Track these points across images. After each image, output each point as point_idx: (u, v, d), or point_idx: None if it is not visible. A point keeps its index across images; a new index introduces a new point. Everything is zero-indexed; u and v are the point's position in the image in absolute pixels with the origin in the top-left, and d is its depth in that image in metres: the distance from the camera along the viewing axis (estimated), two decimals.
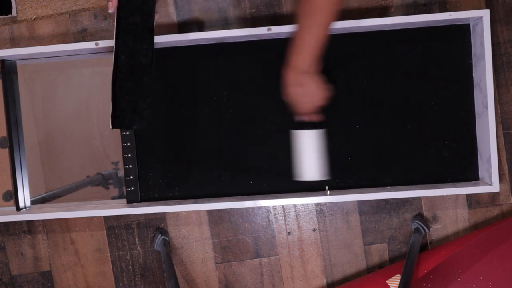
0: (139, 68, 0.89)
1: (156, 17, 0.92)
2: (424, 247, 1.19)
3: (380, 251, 1.20)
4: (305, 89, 0.96)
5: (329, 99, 1.00)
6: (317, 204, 1.21)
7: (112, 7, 0.89)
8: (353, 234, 1.20)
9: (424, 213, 1.19)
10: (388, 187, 1.10)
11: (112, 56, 1.11)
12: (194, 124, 1.13)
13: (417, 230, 1.15)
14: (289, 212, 1.21)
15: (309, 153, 1.03)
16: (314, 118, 1.03)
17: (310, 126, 1.03)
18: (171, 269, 1.09)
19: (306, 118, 1.03)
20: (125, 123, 0.89)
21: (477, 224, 1.18)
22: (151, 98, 0.91)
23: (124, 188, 1.15)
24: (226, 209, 1.21)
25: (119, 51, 0.87)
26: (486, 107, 1.03)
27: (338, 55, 1.10)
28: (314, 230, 1.21)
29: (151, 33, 0.90)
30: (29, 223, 1.23)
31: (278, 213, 1.21)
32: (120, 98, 0.88)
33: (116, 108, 0.88)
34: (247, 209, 1.21)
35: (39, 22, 1.23)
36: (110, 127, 0.90)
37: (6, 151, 1.18)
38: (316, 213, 1.21)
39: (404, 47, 1.10)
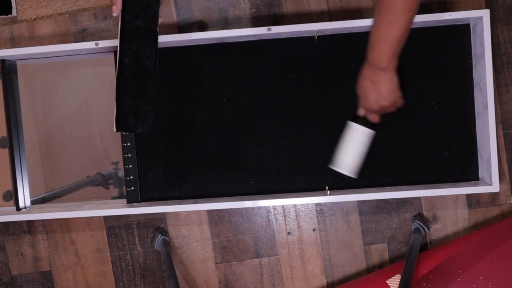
0: (142, 71, 0.89)
1: (160, 20, 0.93)
2: (424, 247, 1.19)
3: (380, 251, 1.20)
4: (376, 86, 0.95)
5: (396, 107, 1.00)
6: (317, 204, 1.21)
7: (116, 11, 0.89)
8: (353, 234, 1.20)
9: (424, 213, 1.19)
10: (388, 187, 1.10)
11: (113, 57, 1.11)
12: (194, 124, 1.13)
13: (417, 230, 1.15)
14: (289, 212, 1.21)
15: (354, 148, 1.03)
16: (373, 118, 1.03)
17: (366, 124, 1.03)
18: (171, 269, 1.09)
19: (366, 115, 1.03)
20: (129, 126, 0.89)
21: (477, 224, 1.18)
22: (154, 101, 0.91)
23: (124, 188, 1.15)
24: (226, 209, 1.21)
25: (123, 54, 0.87)
26: (486, 107, 1.03)
27: (338, 55, 1.10)
28: (314, 230, 1.21)
29: (155, 37, 0.90)
30: (29, 223, 1.23)
31: (278, 213, 1.21)
32: (124, 102, 0.88)
33: (120, 112, 0.88)
34: (247, 209, 1.21)
35: (39, 22, 1.23)
36: (114, 130, 0.90)
37: (6, 151, 1.18)
38: (316, 213, 1.21)
39: (404, 47, 1.09)
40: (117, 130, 0.89)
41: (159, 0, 0.90)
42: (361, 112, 1.03)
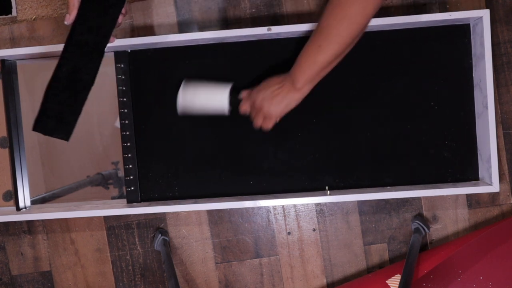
0: (79, 83, 0.87)
1: (112, 41, 0.91)
2: (424, 247, 1.19)
3: (380, 251, 1.20)
4: (277, 92, 0.93)
5: (263, 122, 0.98)
6: (317, 204, 1.21)
7: (69, 20, 0.86)
8: (353, 234, 1.20)
9: (424, 213, 1.19)
10: (388, 187, 1.10)
11: (113, 57, 1.11)
12: (194, 124, 1.13)
13: (417, 230, 1.15)
14: (289, 212, 1.21)
15: (204, 101, 1.01)
16: (244, 108, 1.00)
17: (233, 101, 1.01)
18: (171, 269, 1.09)
19: (243, 100, 1.00)
20: (47, 129, 0.87)
21: (477, 224, 1.18)
22: (80, 114, 0.89)
23: (124, 188, 1.15)
24: (226, 209, 1.21)
25: (63, 63, 0.85)
26: (486, 107, 1.03)
27: None
28: (314, 230, 1.21)
29: (101, 55, 0.87)
30: (29, 223, 1.23)
31: (278, 213, 1.21)
32: (49, 106, 0.86)
33: (43, 113, 0.86)
34: (247, 209, 1.21)
35: (39, 22, 1.23)
36: (31, 129, 0.88)
37: (6, 151, 1.18)
38: (316, 213, 1.21)
39: (404, 47, 1.10)
40: (34, 129, 0.88)
41: (115, 22, 0.88)
42: (244, 94, 1.01)
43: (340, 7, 0.81)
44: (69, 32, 0.86)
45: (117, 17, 0.88)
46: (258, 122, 0.98)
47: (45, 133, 0.87)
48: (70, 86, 0.86)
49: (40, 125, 0.87)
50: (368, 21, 0.82)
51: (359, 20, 0.81)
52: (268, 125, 0.98)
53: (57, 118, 0.87)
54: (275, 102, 0.94)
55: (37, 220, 1.23)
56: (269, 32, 1.05)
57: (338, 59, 0.88)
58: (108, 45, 1.06)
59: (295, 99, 0.93)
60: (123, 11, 0.91)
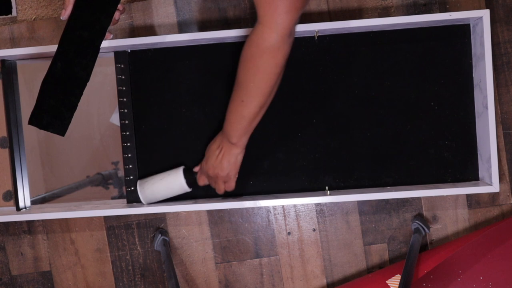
0: (73, 79, 0.87)
1: (109, 37, 0.91)
2: (424, 247, 1.19)
3: (380, 251, 1.20)
4: (220, 155, 0.98)
5: (226, 184, 1.03)
6: (317, 204, 1.21)
7: (64, 15, 0.87)
8: (353, 234, 1.20)
9: (424, 213, 1.19)
10: (388, 187, 1.10)
11: (113, 57, 1.11)
12: (194, 124, 1.13)
13: (417, 230, 1.15)
14: (289, 212, 1.21)
15: (164, 187, 1.07)
16: (201, 181, 1.05)
17: (190, 178, 1.07)
18: (171, 269, 1.09)
19: (198, 174, 1.06)
20: (43, 123, 0.87)
21: (477, 224, 1.18)
22: (75, 110, 0.90)
23: (124, 188, 1.15)
24: (226, 209, 1.21)
25: (57, 58, 0.86)
26: (486, 107, 1.03)
27: (338, 55, 1.10)
28: (314, 230, 1.21)
29: (96, 51, 0.88)
30: (29, 223, 1.23)
31: (278, 213, 1.21)
32: (44, 101, 0.86)
33: (38, 108, 0.87)
34: (247, 209, 1.21)
35: (39, 22, 1.23)
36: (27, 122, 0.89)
37: (6, 151, 1.18)
38: (316, 213, 1.21)
39: (404, 47, 1.10)
40: (29, 123, 0.88)
41: (111, 18, 0.88)
42: (196, 168, 1.07)
43: (252, 60, 0.84)
44: (64, 28, 0.86)
45: (113, 14, 0.88)
46: (221, 188, 1.03)
47: (40, 127, 0.87)
48: (65, 82, 0.86)
49: (35, 119, 0.87)
50: (281, 69, 0.85)
51: (272, 70, 0.84)
52: (231, 185, 1.03)
53: (52, 113, 0.87)
54: (224, 165, 0.99)
55: (37, 220, 1.23)
56: None
57: (264, 108, 0.91)
58: (108, 45, 1.06)
59: (237, 153, 0.98)
60: (119, 7, 0.91)
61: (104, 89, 1.21)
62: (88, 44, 0.87)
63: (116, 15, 0.89)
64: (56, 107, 0.87)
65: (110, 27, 0.88)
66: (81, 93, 0.89)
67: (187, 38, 1.07)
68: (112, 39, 1.05)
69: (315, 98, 1.11)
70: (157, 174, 1.09)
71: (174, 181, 1.07)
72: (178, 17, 1.20)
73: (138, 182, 1.09)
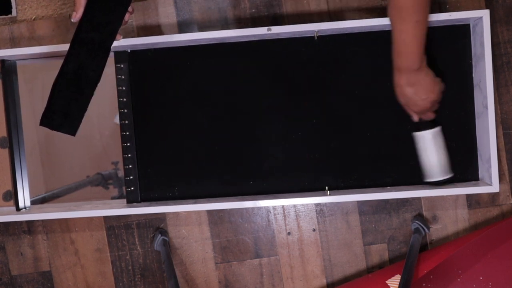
0: (84, 80, 0.87)
1: (119, 38, 0.91)
2: (424, 247, 1.19)
3: (380, 251, 1.20)
4: (418, 87, 0.96)
5: (442, 93, 1.02)
6: (317, 204, 1.21)
7: (75, 17, 0.87)
8: (353, 234, 1.20)
9: (424, 213, 1.19)
10: (388, 187, 1.10)
11: (113, 57, 1.11)
12: (194, 124, 1.13)
13: (417, 230, 1.15)
14: (289, 212, 1.21)
15: (434, 153, 1.05)
16: (429, 116, 1.04)
17: (428, 126, 1.05)
18: (171, 269, 1.09)
19: (424, 117, 1.04)
20: (54, 124, 0.88)
21: (477, 224, 1.18)
22: (86, 110, 0.90)
23: (124, 188, 1.15)
24: (226, 209, 1.21)
25: (69, 59, 0.86)
26: (486, 107, 1.03)
27: (338, 55, 1.10)
28: (314, 230, 1.21)
29: (106, 52, 0.88)
30: (29, 223, 1.23)
31: (278, 213, 1.21)
32: (56, 101, 0.87)
33: (49, 109, 0.87)
34: (247, 209, 1.21)
35: (39, 22, 1.23)
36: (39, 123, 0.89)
37: (6, 151, 1.18)
38: (316, 213, 1.21)
39: None
40: (41, 124, 0.88)
41: (121, 20, 0.88)
42: (415, 118, 1.05)
43: None
44: (76, 30, 0.86)
45: (124, 15, 0.88)
46: (440, 97, 1.02)
47: (52, 128, 0.88)
48: (76, 83, 0.87)
49: (46, 120, 0.88)
50: None
51: None
52: (442, 89, 1.02)
53: (63, 114, 0.88)
54: (429, 89, 0.97)
55: (37, 220, 1.23)
56: (269, 32, 1.06)
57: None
58: None
59: (425, 73, 0.96)
60: (129, 9, 0.91)
61: (104, 89, 1.20)
62: (99, 46, 0.87)
63: (126, 16, 0.89)
64: (67, 107, 0.88)
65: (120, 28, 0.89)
66: (91, 94, 0.89)
67: (187, 38, 1.07)
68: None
69: (315, 98, 1.11)
70: (421, 156, 1.06)
71: (432, 142, 1.05)
72: (178, 17, 1.20)
73: (427, 175, 1.07)
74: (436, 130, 1.05)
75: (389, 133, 1.10)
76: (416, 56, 0.92)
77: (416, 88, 0.96)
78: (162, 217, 1.22)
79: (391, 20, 0.90)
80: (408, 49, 0.91)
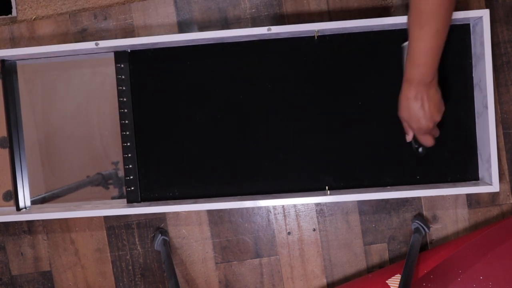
0: None
1: None
2: (424, 247, 1.19)
3: (380, 251, 1.20)
4: (426, 103, 0.89)
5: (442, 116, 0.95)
6: (317, 204, 1.21)
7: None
8: (353, 234, 1.20)
9: (424, 213, 1.19)
10: (388, 187, 1.10)
11: (113, 57, 1.11)
12: (194, 124, 1.13)
13: (417, 230, 1.15)
14: (289, 212, 1.21)
15: None
16: (428, 141, 0.97)
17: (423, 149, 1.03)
18: (171, 269, 1.09)
19: (423, 140, 0.98)
20: None
21: (477, 224, 1.18)
22: None
23: (124, 188, 1.15)
24: (226, 209, 1.21)
25: None
26: (486, 107, 1.03)
27: (338, 55, 1.10)
28: (314, 230, 1.21)
29: None
30: (29, 223, 1.23)
31: (278, 213, 1.21)
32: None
33: None
34: (247, 209, 1.21)
35: (39, 22, 1.23)
36: None
37: (6, 151, 1.18)
38: (316, 213, 1.21)
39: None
40: None
41: None
42: (409, 137, 1.00)
43: None
44: None
45: None
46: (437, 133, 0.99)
47: None
48: None
49: None
50: None
51: None
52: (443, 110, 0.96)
53: None
54: (435, 110, 0.91)
55: (37, 220, 1.23)
56: (269, 32, 1.06)
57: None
58: (108, 45, 1.06)
59: (435, 89, 0.91)
60: None
61: (104, 89, 1.21)
62: None
63: None
64: None
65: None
66: None
67: (187, 38, 1.07)
68: (113, 38, 1.05)
69: (315, 98, 1.11)
70: None
71: None
72: (178, 17, 1.20)
73: None
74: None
75: (389, 133, 1.10)
76: (431, 69, 0.86)
77: (423, 104, 0.90)
78: (162, 217, 1.22)
79: (409, 27, 0.84)
80: (423, 60, 0.85)
